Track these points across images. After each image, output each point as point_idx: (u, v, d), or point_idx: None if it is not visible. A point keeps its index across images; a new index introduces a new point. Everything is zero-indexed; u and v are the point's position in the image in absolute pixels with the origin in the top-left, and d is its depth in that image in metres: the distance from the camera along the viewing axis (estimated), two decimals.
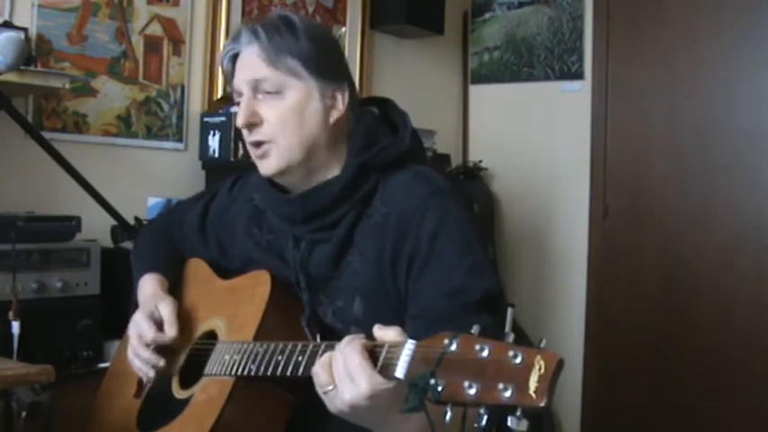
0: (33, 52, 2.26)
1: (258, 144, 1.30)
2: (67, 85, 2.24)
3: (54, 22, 2.38)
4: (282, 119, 1.28)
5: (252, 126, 1.29)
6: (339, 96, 1.31)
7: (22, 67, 2.00)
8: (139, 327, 1.42)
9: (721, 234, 3.18)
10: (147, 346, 1.40)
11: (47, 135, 2.11)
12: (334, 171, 1.32)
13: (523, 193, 3.68)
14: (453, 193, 1.27)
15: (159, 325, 1.41)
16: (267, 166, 1.32)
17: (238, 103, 1.32)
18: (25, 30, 2.24)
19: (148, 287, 1.51)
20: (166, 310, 1.42)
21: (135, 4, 2.58)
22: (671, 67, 3.30)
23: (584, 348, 3.47)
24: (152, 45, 2.64)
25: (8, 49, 1.79)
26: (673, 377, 3.26)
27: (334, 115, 1.31)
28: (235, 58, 1.33)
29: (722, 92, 3.19)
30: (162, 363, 1.39)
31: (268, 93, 1.28)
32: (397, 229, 1.23)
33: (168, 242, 1.63)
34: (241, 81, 1.31)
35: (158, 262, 1.57)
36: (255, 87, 1.29)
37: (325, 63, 1.30)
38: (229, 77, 1.36)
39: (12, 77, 1.95)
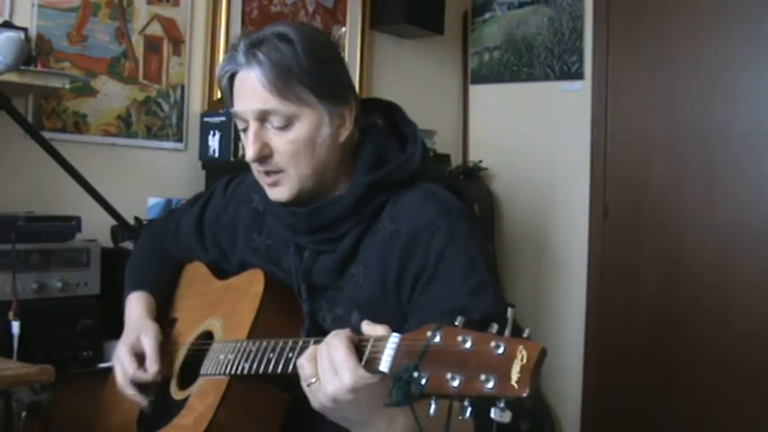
0: (33, 52, 2.26)
1: (268, 172, 1.27)
2: (67, 85, 2.24)
3: (54, 22, 2.38)
4: (294, 151, 1.24)
5: (263, 159, 1.25)
6: (347, 114, 1.27)
7: (22, 67, 2.00)
8: (122, 362, 1.40)
9: (721, 234, 3.18)
10: (130, 382, 1.39)
11: (47, 135, 2.11)
12: (341, 187, 1.30)
13: (523, 193, 3.69)
14: (462, 214, 1.25)
15: (142, 358, 1.40)
16: (278, 195, 1.29)
17: (244, 130, 1.27)
18: (25, 30, 2.24)
19: (134, 309, 1.49)
20: (149, 343, 1.40)
21: (135, 4, 2.58)
22: (671, 67, 3.30)
23: (583, 348, 3.47)
24: (152, 45, 2.64)
25: (8, 49, 1.80)
26: (673, 377, 3.26)
27: (344, 134, 1.27)
28: (232, 77, 1.26)
29: (722, 92, 3.19)
30: (145, 402, 1.38)
31: (276, 127, 1.23)
32: (405, 246, 1.22)
33: (161, 255, 1.61)
34: (246, 110, 1.25)
35: (147, 279, 1.55)
36: (263, 118, 1.24)
37: (332, 85, 1.25)
38: (228, 98, 1.29)
39: (12, 77, 1.95)
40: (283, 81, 1.21)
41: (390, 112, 1.38)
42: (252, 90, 1.23)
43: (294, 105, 1.22)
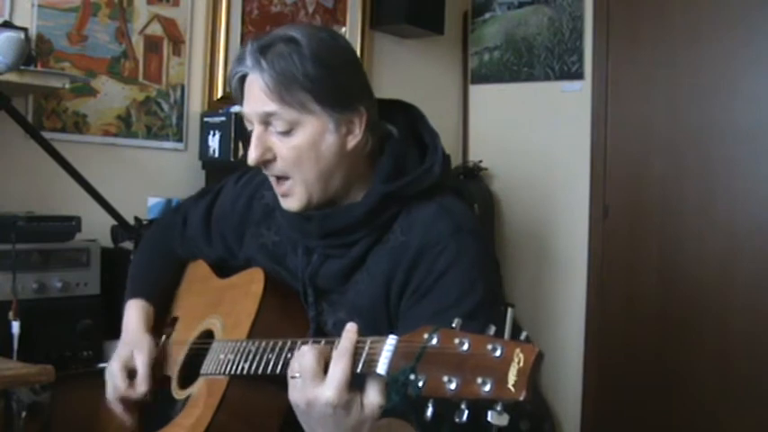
0: (33, 52, 2.26)
1: (278, 179, 1.27)
2: (67, 85, 2.24)
3: (54, 22, 2.38)
4: (297, 157, 1.22)
5: (266, 163, 1.25)
6: (356, 121, 1.24)
7: (22, 67, 2.00)
8: (114, 379, 1.41)
9: (721, 233, 3.18)
10: (119, 399, 1.40)
11: (47, 135, 2.11)
12: (355, 194, 1.28)
13: (523, 193, 3.68)
14: (473, 233, 1.24)
15: (134, 374, 1.41)
16: (289, 205, 1.28)
17: (251, 132, 1.26)
18: (25, 30, 2.24)
19: (132, 320, 1.50)
20: (141, 361, 1.41)
21: (135, 4, 2.58)
22: (671, 67, 3.29)
23: (584, 348, 3.47)
24: (152, 45, 2.64)
25: (8, 49, 1.80)
26: (672, 376, 3.26)
27: (352, 141, 1.24)
28: (243, 79, 1.26)
29: (722, 92, 3.19)
30: (130, 422, 1.40)
31: (279, 132, 1.23)
32: (412, 259, 1.22)
33: (165, 254, 1.61)
34: (250, 112, 1.25)
35: (148, 283, 1.56)
36: (266, 121, 1.23)
37: (338, 92, 1.22)
38: (239, 98, 1.29)
39: (12, 77, 1.95)
40: (285, 87, 1.20)
41: (412, 117, 1.37)
42: (256, 93, 1.23)
43: (296, 111, 1.21)
